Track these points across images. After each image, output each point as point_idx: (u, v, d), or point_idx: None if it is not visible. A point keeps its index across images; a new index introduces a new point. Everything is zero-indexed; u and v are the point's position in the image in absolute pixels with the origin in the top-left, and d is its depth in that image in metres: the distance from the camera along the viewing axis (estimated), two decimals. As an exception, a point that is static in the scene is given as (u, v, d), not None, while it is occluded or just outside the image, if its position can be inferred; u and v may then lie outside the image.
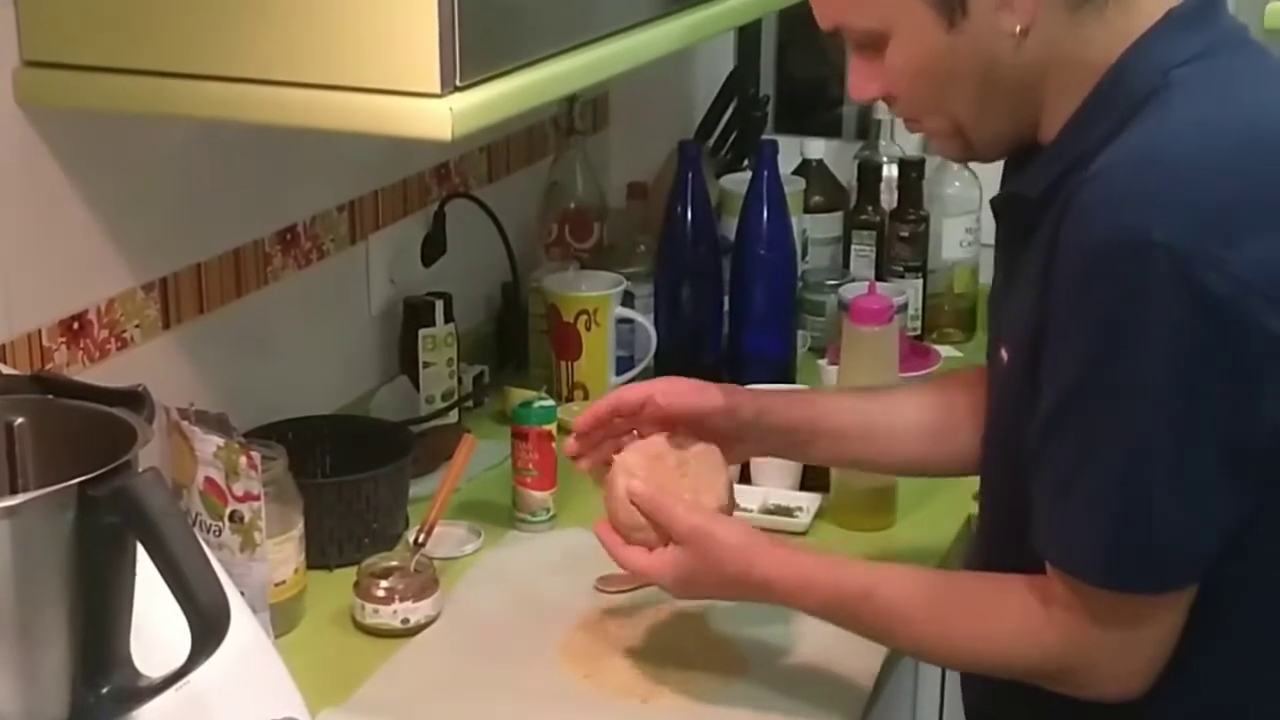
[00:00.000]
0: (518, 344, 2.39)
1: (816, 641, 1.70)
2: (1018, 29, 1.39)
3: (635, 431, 1.69)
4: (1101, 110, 1.39)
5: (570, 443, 1.70)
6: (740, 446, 1.72)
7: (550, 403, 1.99)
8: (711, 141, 2.73)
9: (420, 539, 1.81)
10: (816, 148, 2.65)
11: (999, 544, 1.56)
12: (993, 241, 1.70)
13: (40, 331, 1.71)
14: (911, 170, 2.53)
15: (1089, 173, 1.34)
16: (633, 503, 1.59)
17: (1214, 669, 1.43)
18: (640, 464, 1.62)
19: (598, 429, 1.69)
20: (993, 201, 1.54)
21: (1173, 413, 1.32)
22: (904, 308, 2.42)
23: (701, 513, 1.58)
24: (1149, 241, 1.28)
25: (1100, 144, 1.37)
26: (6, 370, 1.57)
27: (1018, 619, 1.44)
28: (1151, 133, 1.35)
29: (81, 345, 1.76)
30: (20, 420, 1.23)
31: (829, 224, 2.61)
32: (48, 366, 1.71)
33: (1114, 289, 1.31)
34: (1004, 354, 1.48)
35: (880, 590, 1.52)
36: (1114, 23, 1.40)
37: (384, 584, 1.74)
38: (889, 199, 2.58)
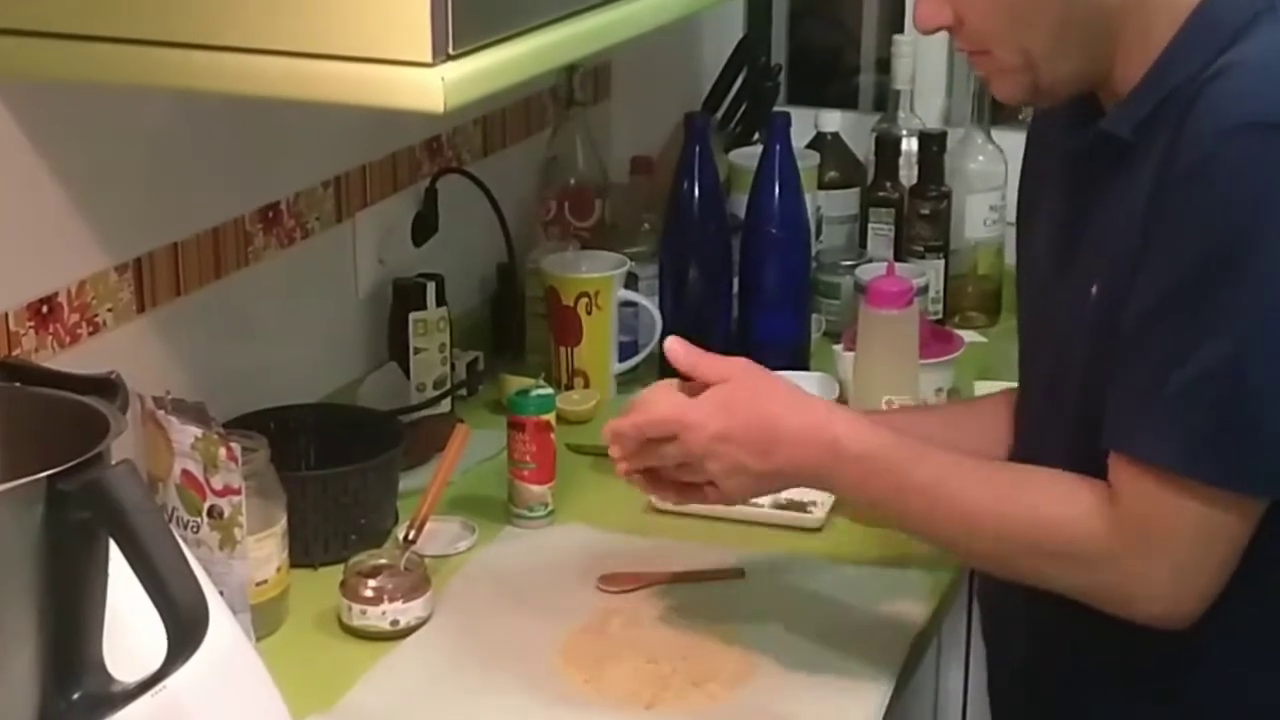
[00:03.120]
0: (514, 328, 2.39)
1: (826, 642, 1.71)
2: None
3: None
4: (1196, 42, 1.43)
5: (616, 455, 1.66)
6: None
7: (548, 391, 1.99)
8: (720, 114, 2.73)
9: (410, 536, 1.82)
10: (832, 120, 2.64)
11: None
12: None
13: (7, 315, 1.71)
14: (932, 144, 2.53)
15: (1208, 73, 1.39)
16: (671, 363, 1.58)
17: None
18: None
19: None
20: (1073, 149, 1.54)
21: None
22: (924, 290, 2.42)
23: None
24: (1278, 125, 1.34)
25: (1199, 71, 1.41)
26: (-29, 356, 1.58)
27: (1080, 509, 1.46)
28: (1274, 35, 1.40)
29: (51, 330, 1.76)
30: (-15, 410, 1.24)
31: (845, 201, 2.61)
32: (15, 352, 1.71)
33: (1240, 173, 1.35)
34: (1093, 290, 1.49)
35: (946, 484, 1.53)
36: None
37: (372, 583, 1.74)
38: (908, 174, 2.58)
